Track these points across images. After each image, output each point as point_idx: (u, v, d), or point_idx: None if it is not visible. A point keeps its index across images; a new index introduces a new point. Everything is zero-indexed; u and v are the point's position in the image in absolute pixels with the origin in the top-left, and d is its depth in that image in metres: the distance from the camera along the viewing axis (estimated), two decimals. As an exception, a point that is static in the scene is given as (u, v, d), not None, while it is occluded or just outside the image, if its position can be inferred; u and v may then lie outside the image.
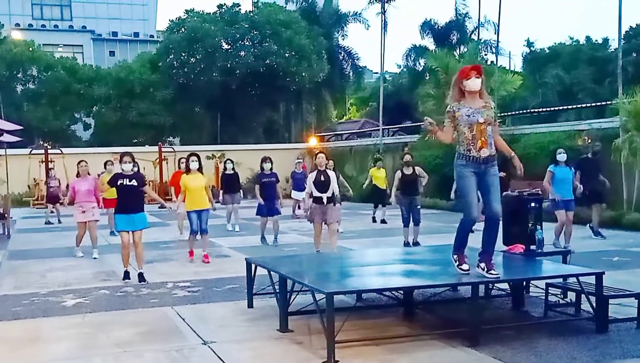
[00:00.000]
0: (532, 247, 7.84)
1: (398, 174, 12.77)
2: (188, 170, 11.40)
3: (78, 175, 12.33)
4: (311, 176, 10.76)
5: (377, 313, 7.19)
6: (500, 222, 6.78)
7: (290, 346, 6.15)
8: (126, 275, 9.60)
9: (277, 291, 6.80)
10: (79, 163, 12.45)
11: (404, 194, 12.63)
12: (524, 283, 7.56)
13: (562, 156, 11.94)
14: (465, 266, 6.41)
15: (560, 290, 7.25)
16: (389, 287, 7.02)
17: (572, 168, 12.21)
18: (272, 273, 7.06)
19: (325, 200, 10.56)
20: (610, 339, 6.14)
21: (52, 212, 19.34)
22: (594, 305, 6.45)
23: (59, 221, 19.05)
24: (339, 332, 5.63)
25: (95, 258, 11.82)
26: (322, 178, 10.63)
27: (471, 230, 6.68)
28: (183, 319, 7.24)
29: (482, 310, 6.39)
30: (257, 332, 6.63)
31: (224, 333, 6.63)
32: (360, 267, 7.61)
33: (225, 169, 16.28)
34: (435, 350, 5.92)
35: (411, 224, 12.55)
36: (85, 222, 12.03)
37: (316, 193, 10.60)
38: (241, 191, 16.69)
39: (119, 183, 9.61)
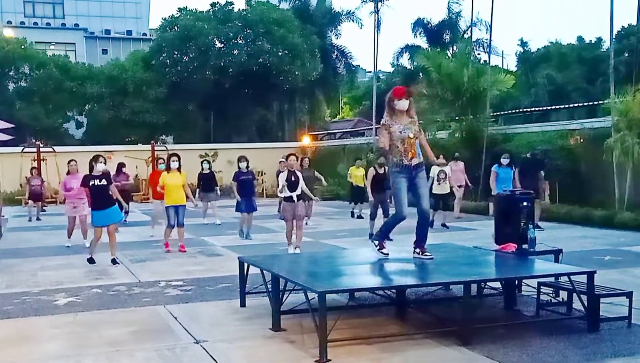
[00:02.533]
0: (524, 246, 7.86)
1: (372, 172, 13.87)
2: (169, 169, 12.24)
3: (69, 173, 13.27)
4: (283, 176, 11.39)
5: (370, 312, 7.20)
6: (493, 221, 7.58)
7: (282, 345, 6.14)
8: (92, 261, 10.93)
9: (270, 290, 6.80)
10: (69, 161, 13.38)
11: (376, 191, 13.70)
12: (516, 282, 7.58)
13: (505, 160, 14.91)
14: (385, 250, 7.51)
15: (552, 289, 7.27)
16: (381, 286, 7.04)
17: (513, 169, 14.58)
18: (264, 272, 7.06)
19: (295, 198, 11.33)
20: (601, 338, 6.17)
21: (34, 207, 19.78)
22: (586, 303, 6.48)
23: (38, 219, 19.25)
24: (331, 330, 5.63)
25: (87, 247, 12.04)
26: (292, 178, 11.32)
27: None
28: (175, 318, 7.23)
29: (474, 308, 6.40)
30: (249, 331, 6.62)
31: (216, 332, 6.62)
32: (352, 266, 7.61)
33: (202, 169, 17.47)
34: (427, 349, 5.94)
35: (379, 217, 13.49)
36: (75, 217, 13.03)
37: (287, 193, 11.32)
38: (218, 189, 17.90)
39: (90, 183, 10.74)
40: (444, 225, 15.52)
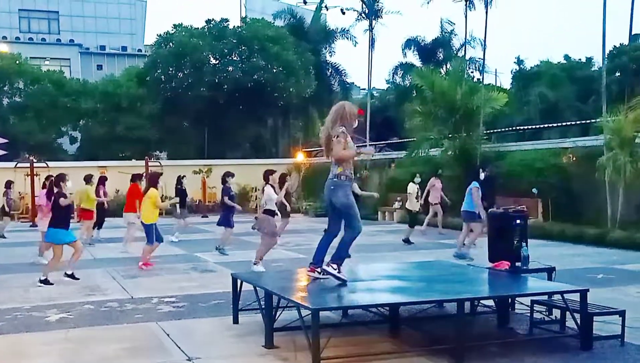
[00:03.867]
0: (518, 264, 7.88)
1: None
2: (155, 187, 12.30)
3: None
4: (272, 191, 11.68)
5: (363, 330, 7.18)
6: (486, 239, 7.34)
7: (275, 362, 6.12)
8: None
9: (263, 307, 6.79)
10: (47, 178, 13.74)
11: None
12: (509, 300, 7.59)
13: (484, 174, 13.65)
14: (344, 275, 6.98)
15: (545, 307, 7.28)
16: (374, 303, 7.03)
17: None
18: (257, 288, 7.04)
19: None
20: (594, 356, 6.17)
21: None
22: (579, 322, 6.49)
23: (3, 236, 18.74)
24: (324, 348, 5.62)
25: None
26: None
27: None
28: (168, 335, 7.19)
29: (467, 326, 6.39)
30: (242, 348, 6.60)
31: (209, 349, 6.59)
32: (345, 283, 7.59)
33: (181, 185, 18.22)
34: (420, 366, 5.92)
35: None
36: None
37: (273, 207, 11.72)
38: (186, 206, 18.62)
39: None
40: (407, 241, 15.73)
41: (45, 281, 10.49)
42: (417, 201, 16.52)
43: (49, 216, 11.09)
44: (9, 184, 19.44)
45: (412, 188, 16.30)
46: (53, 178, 11.99)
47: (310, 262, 7.16)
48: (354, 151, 7.10)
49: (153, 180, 12.41)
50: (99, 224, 17.12)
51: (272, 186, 11.74)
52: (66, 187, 10.93)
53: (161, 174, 12.96)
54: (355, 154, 7.18)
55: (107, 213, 18.16)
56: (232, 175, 14.51)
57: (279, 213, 11.88)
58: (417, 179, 16.95)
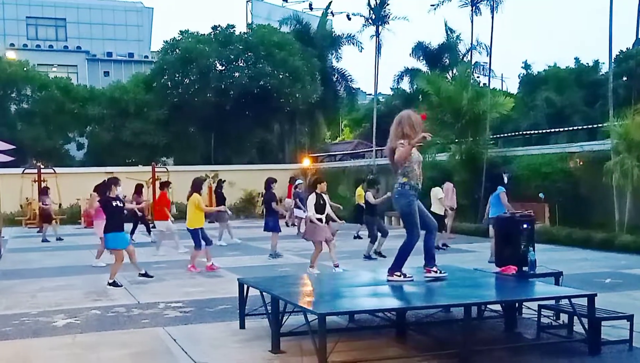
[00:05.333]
0: (525, 268, 7.85)
1: (370, 194, 14.35)
2: (199, 192, 12.58)
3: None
4: (312, 200, 11.91)
5: (370, 334, 7.17)
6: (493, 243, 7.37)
7: (282, 367, 6.11)
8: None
9: (269, 312, 6.78)
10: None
11: (373, 214, 14.39)
12: (517, 304, 7.56)
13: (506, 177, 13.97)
14: (409, 276, 7.32)
15: (552, 312, 7.25)
16: (381, 308, 7.01)
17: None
18: (264, 293, 7.04)
19: (323, 220, 11.89)
20: (602, 361, 6.14)
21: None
22: (587, 327, 6.45)
23: (58, 239, 19.23)
24: (331, 353, 5.60)
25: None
26: (321, 201, 11.90)
27: None
28: (174, 340, 7.20)
29: (474, 331, 6.37)
30: (248, 353, 6.59)
31: (216, 354, 6.58)
32: (352, 288, 7.59)
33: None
34: (427, 371, 5.90)
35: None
36: None
37: (317, 215, 11.82)
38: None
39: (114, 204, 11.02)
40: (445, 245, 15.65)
41: (114, 284, 10.78)
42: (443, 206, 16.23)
43: (103, 220, 11.56)
44: (45, 191, 20.32)
45: (439, 192, 16.01)
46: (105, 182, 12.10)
47: (424, 264, 7.49)
48: (406, 149, 7.10)
49: (197, 185, 12.59)
50: (132, 230, 17.44)
51: (319, 194, 11.86)
52: (116, 191, 11.07)
53: (205, 179, 13.17)
54: (408, 152, 7.13)
55: (139, 218, 18.23)
56: (275, 181, 14.82)
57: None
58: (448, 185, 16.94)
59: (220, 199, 17.88)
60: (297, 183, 20.45)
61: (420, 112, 7.67)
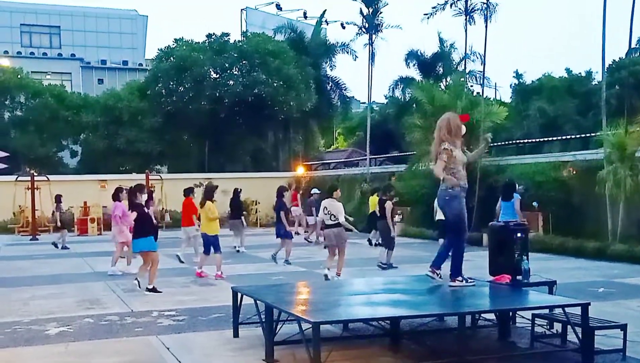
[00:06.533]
0: (518, 277, 7.85)
1: (390, 204, 13.82)
2: (211, 200, 12.38)
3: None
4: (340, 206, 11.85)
5: (364, 343, 7.16)
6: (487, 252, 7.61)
7: (275, 376, 6.10)
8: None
9: (263, 320, 6.76)
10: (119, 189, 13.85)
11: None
12: (510, 313, 7.56)
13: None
14: (470, 280, 7.44)
15: (546, 321, 7.25)
16: (375, 317, 7.00)
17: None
18: (258, 302, 7.03)
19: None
20: (596, 370, 6.14)
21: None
22: (580, 336, 6.46)
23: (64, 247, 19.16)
24: (325, 362, 5.59)
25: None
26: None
27: None
28: (168, 348, 7.17)
29: (468, 340, 6.37)
30: (242, 362, 6.57)
31: (209, 362, 6.56)
32: (346, 296, 7.59)
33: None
34: (421, 380, 5.90)
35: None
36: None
37: (331, 221, 11.76)
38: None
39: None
40: None
41: (153, 289, 10.74)
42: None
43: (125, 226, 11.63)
44: (59, 199, 20.48)
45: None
46: (127, 190, 12.12)
47: (430, 264, 7.65)
48: (439, 171, 7.23)
49: (209, 193, 12.54)
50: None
51: (336, 199, 11.83)
52: (141, 198, 11.07)
53: (216, 187, 12.98)
54: (439, 174, 7.24)
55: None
56: (287, 189, 14.77)
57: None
58: None
59: (237, 209, 17.69)
60: (312, 191, 20.94)
61: (462, 114, 7.77)
